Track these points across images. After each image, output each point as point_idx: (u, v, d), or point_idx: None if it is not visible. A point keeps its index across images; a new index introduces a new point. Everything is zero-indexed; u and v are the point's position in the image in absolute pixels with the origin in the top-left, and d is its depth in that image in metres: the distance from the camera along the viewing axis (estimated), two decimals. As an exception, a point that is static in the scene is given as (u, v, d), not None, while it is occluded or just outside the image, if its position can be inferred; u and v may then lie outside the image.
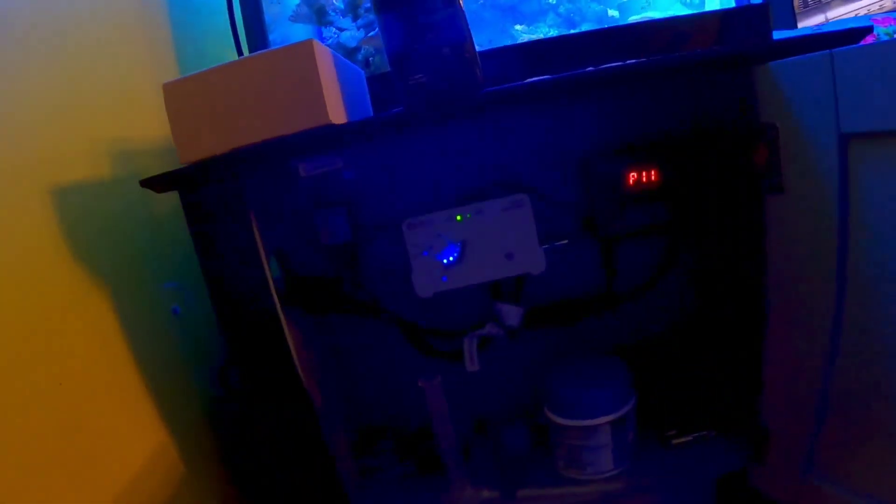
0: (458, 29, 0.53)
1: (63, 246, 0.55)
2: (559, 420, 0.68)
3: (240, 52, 0.78)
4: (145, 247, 0.69)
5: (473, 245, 0.69)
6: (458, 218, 0.69)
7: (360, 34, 0.79)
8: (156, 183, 0.55)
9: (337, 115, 0.53)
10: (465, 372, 0.73)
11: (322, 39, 0.87)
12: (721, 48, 0.59)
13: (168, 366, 0.67)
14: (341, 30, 0.80)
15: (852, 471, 0.58)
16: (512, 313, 0.71)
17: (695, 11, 0.81)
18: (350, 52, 0.81)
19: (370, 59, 0.79)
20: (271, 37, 0.81)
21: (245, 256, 0.57)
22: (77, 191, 0.59)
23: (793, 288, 0.58)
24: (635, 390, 0.70)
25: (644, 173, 0.69)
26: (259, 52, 0.52)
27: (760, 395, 0.65)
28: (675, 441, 0.72)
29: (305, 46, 0.51)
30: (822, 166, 0.51)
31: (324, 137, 0.53)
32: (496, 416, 0.79)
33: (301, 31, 0.87)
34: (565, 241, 0.71)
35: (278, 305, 0.61)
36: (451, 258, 0.69)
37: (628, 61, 0.60)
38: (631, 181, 0.69)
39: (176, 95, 0.52)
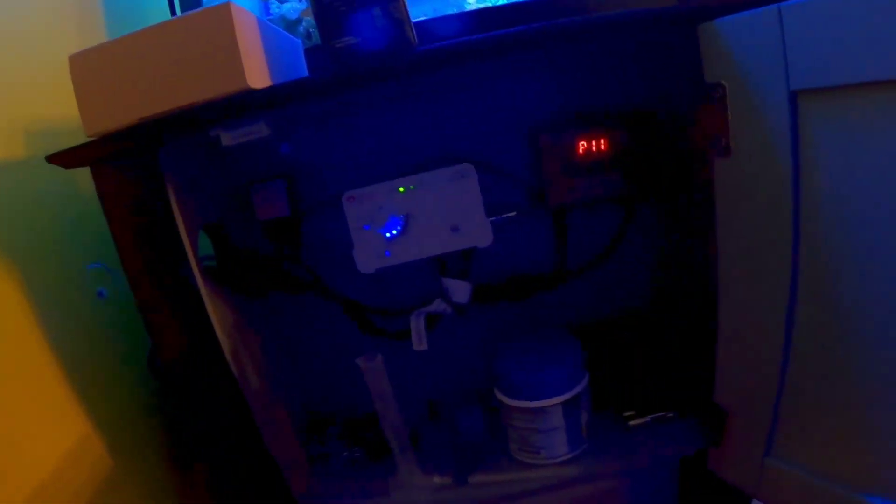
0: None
1: None
2: (508, 401, 0.64)
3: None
4: (69, 227, 0.64)
5: (417, 218, 0.66)
6: (401, 189, 0.66)
7: (303, 6, 0.76)
8: (63, 158, 0.51)
9: (258, 79, 0.50)
10: (416, 352, 0.70)
11: (267, 13, 0.84)
12: (660, 8, 0.57)
13: (93, 352, 0.63)
14: (283, 1, 0.77)
15: (812, 452, 0.55)
16: (460, 289, 0.68)
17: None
18: (292, 25, 0.78)
19: (311, 30, 0.76)
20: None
21: (162, 233, 0.54)
22: None
23: (746, 257, 0.55)
24: (588, 369, 0.67)
25: (594, 142, 0.66)
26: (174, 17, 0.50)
27: (714, 376, 0.62)
28: (632, 423, 0.69)
29: (223, 9, 0.47)
30: (773, 125, 0.48)
31: (243, 102, 0.50)
32: (450, 398, 0.76)
33: (246, 5, 0.84)
34: (513, 214, 0.68)
35: (201, 285, 0.58)
36: (394, 232, 0.66)
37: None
38: (581, 150, 0.66)
39: (83, 67, 0.48)
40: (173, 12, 0.76)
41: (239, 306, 0.66)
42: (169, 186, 0.55)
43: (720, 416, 0.62)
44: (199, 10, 0.48)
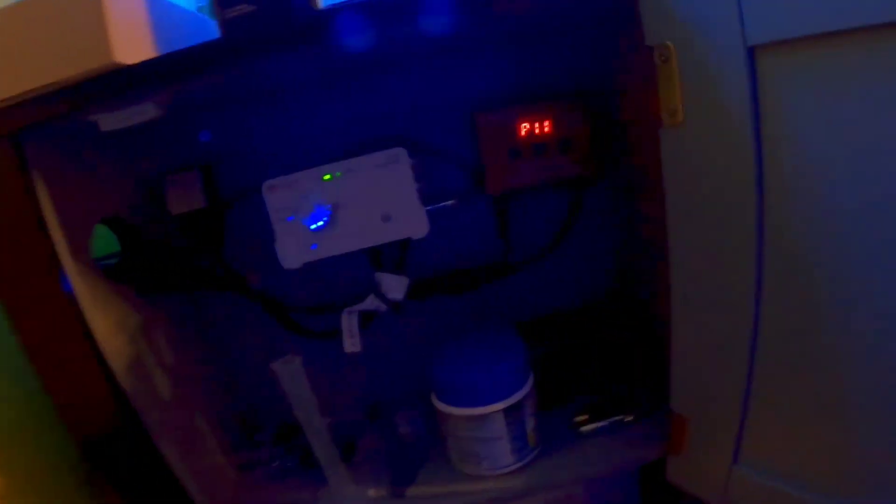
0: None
1: None
2: (444, 408, 0.58)
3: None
4: None
5: (346, 207, 0.60)
6: (327, 177, 0.60)
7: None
8: None
9: (131, 55, 0.44)
10: (355, 357, 0.65)
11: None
12: None
13: None
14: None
15: (783, 459, 0.50)
16: (395, 284, 0.62)
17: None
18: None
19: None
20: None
21: (27, 228, 0.48)
22: None
23: (702, 244, 0.49)
24: (536, 370, 0.61)
25: (537, 123, 0.61)
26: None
27: (668, 378, 0.57)
28: (584, 428, 0.64)
29: None
30: (729, 88, 0.42)
31: (115, 81, 0.44)
32: (390, 400, 0.71)
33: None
34: (453, 202, 0.63)
35: (79, 288, 0.51)
36: (320, 223, 0.60)
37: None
38: (523, 132, 0.61)
39: None
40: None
41: (146, 309, 0.61)
42: (37, 180, 0.48)
43: (679, 423, 0.57)
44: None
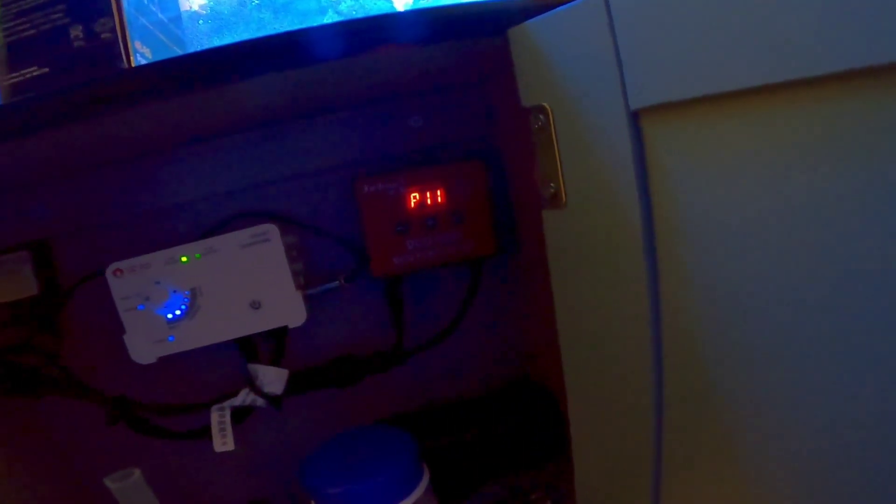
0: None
1: None
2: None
3: None
4: None
5: (207, 294, 0.53)
6: (184, 259, 0.53)
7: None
8: None
9: None
10: (225, 462, 0.58)
11: None
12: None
13: None
14: None
15: None
16: (272, 378, 0.56)
17: None
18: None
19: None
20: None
21: None
22: None
23: (593, 329, 0.46)
24: (432, 465, 0.55)
25: (429, 193, 0.58)
26: None
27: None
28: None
29: None
30: (611, 156, 0.38)
31: None
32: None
33: None
34: (336, 283, 0.57)
35: None
36: (177, 312, 0.54)
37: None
38: (412, 203, 0.58)
39: None
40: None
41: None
42: None
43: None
44: None
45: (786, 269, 0.33)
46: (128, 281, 0.52)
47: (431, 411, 0.61)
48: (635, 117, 0.36)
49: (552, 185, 0.42)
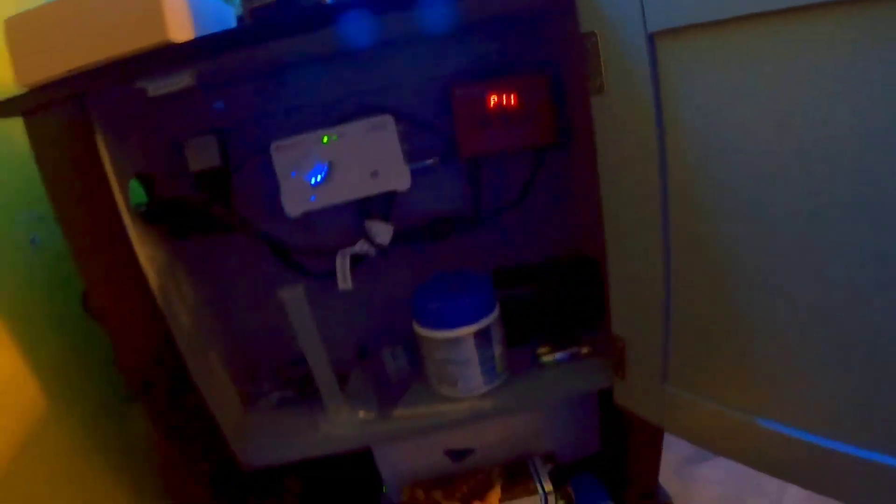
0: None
1: None
2: (424, 332, 0.73)
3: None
4: (4, 177, 0.72)
5: (340, 165, 0.75)
6: (325, 139, 0.74)
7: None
8: None
9: (177, 31, 0.58)
10: (344, 297, 0.79)
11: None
12: None
13: (26, 295, 0.70)
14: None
15: (704, 378, 0.63)
16: (382, 231, 0.77)
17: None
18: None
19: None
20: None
21: (92, 181, 0.61)
22: None
23: (622, 192, 0.63)
24: (504, 309, 0.75)
25: (504, 97, 0.77)
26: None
27: (607, 310, 0.70)
28: (545, 359, 0.79)
29: None
30: (636, 67, 0.56)
31: (164, 54, 0.58)
32: (377, 340, 0.85)
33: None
34: (432, 161, 0.78)
35: (131, 230, 0.65)
36: (318, 178, 0.75)
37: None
38: (492, 104, 0.77)
39: (17, 27, 0.56)
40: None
41: (171, 250, 0.75)
42: (98, 136, 0.62)
43: (619, 347, 0.71)
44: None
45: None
46: (285, 154, 0.74)
47: (499, 270, 0.81)
48: (651, 39, 0.55)
49: (598, 79, 0.60)
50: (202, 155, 0.76)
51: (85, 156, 0.63)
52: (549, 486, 0.87)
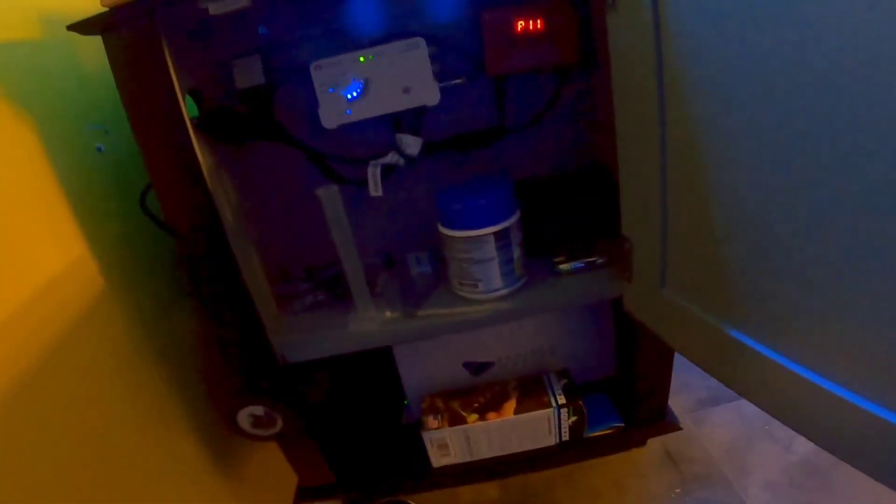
0: None
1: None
2: (447, 232, 0.80)
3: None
4: (72, 95, 0.81)
5: (375, 82, 0.82)
6: (361, 59, 0.82)
7: None
8: (80, 26, 0.67)
9: None
10: (373, 209, 0.86)
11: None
12: None
13: (91, 193, 0.79)
14: None
15: (689, 283, 0.68)
16: (412, 143, 0.85)
17: None
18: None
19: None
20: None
21: (162, 92, 0.70)
22: (11, 47, 0.72)
23: (629, 104, 0.69)
24: (524, 220, 0.82)
25: (531, 21, 0.84)
26: None
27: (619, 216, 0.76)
28: (562, 266, 0.85)
29: None
30: None
31: None
32: (403, 248, 0.93)
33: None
34: (460, 80, 0.84)
35: (192, 136, 0.73)
36: (354, 93, 0.82)
37: None
38: (519, 28, 0.84)
39: None
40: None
41: (217, 156, 0.82)
42: (167, 53, 0.70)
43: (627, 250, 0.77)
44: None
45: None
46: (324, 72, 0.81)
47: (520, 182, 0.87)
48: None
49: None
50: (247, 73, 0.84)
51: (154, 70, 0.70)
52: (562, 399, 0.93)
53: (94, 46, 0.73)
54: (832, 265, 0.48)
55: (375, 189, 0.84)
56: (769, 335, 0.58)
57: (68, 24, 0.71)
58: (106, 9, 0.65)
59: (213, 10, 0.70)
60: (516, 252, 0.81)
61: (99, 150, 0.83)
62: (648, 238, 0.73)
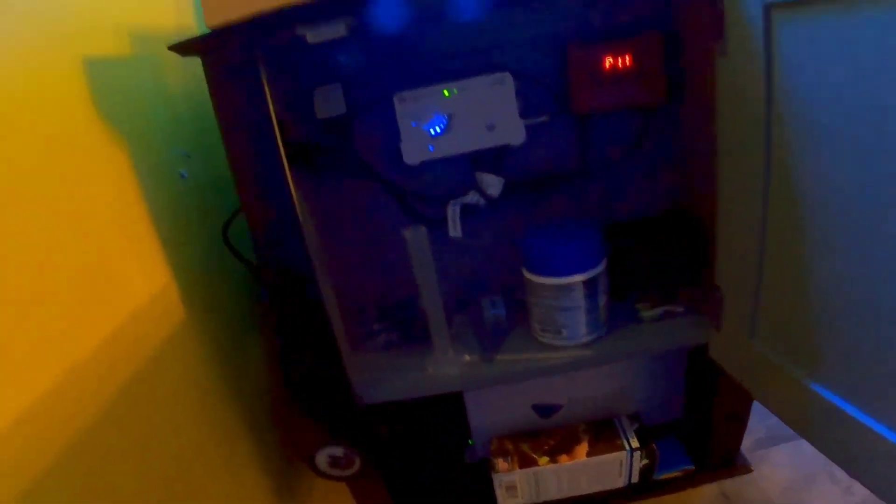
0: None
1: (91, 110, 0.67)
2: (535, 279, 0.79)
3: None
4: (159, 117, 0.82)
5: (459, 118, 0.81)
6: (446, 93, 0.81)
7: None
8: (181, 48, 0.67)
9: None
10: (449, 249, 0.86)
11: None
12: None
13: (174, 220, 0.79)
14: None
15: (780, 336, 0.68)
16: (493, 182, 0.84)
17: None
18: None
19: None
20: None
21: (259, 117, 0.70)
22: (104, 64, 0.71)
23: (734, 156, 0.69)
24: (607, 265, 0.82)
25: (619, 57, 0.82)
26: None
27: (712, 262, 0.76)
28: (645, 314, 0.85)
29: None
30: (753, 34, 0.61)
31: (333, 4, 0.65)
32: (478, 291, 0.92)
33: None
34: (545, 118, 0.84)
35: (286, 165, 0.73)
36: (437, 129, 0.82)
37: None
38: (607, 64, 0.83)
39: None
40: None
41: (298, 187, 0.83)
42: (264, 79, 0.70)
43: (717, 299, 0.76)
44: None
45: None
46: (408, 105, 0.81)
47: (606, 224, 0.86)
48: (767, 8, 0.59)
49: (722, 41, 0.66)
50: (329, 103, 0.83)
51: (252, 94, 0.71)
52: (635, 443, 0.93)
53: (179, 66, 0.73)
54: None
55: (455, 229, 0.83)
56: (858, 396, 0.58)
57: (154, 40, 0.72)
58: (209, 30, 0.65)
59: (311, 38, 0.70)
60: (602, 300, 0.81)
61: (182, 176, 0.84)
62: (742, 289, 0.73)
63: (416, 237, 0.76)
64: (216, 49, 0.68)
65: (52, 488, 0.51)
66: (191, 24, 0.95)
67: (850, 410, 0.58)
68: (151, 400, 0.69)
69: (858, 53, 0.50)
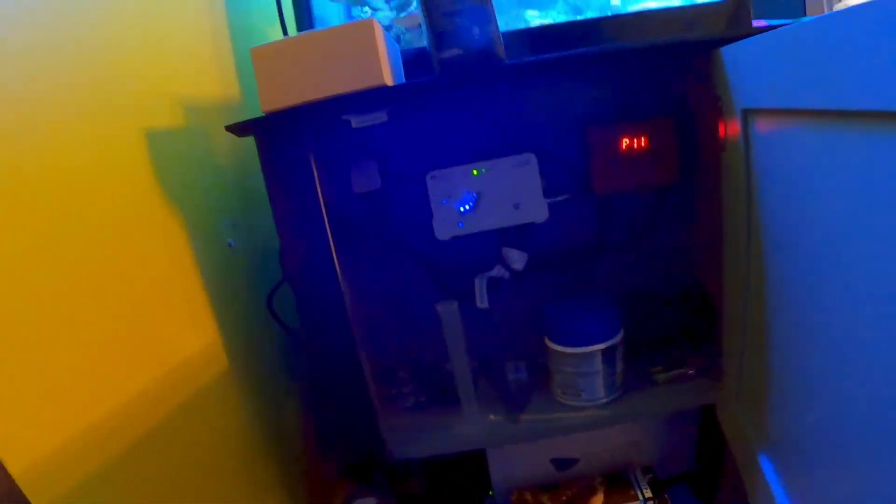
0: (485, 13, 0.76)
1: (153, 180, 0.76)
2: (557, 348, 0.88)
3: (283, 27, 1.01)
4: (208, 187, 0.90)
5: (486, 196, 0.90)
6: (475, 172, 0.90)
7: (393, 14, 1.02)
8: (238, 128, 0.76)
9: (388, 78, 0.75)
10: (474, 316, 0.95)
11: (349, 18, 1.11)
12: (654, 41, 0.84)
13: (224, 285, 0.88)
14: (375, 10, 1.03)
15: (752, 408, 0.78)
16: (517, 258, 0.92)
17: (687, 3, 1.05)
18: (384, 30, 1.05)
19: (401, 36, 1.02)
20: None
21: (306, 193, 0.79)
22: (163, 135, 0.80)
23: (731, 236, 0.78)
24: (624, 331, 0.91)
25: (636, 140, 0.91)
26: (329, 27, 0.73)
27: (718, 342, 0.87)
28: (658, 377, 0.93)
29: (368, 23, 0.72)
30: (738, 132, 0.70)
31: (379, 95, 0.73)
32: (501, 356, 1.01)
33: (335, 10, 1.11)
34: (566, 197, 0.92)
35: (331, 241, 0.82)
36: (467, 206, 0.90)
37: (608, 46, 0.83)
38: (624, 146, 0.92)
39: (262, 57, 0.72)
40: (280, 11, 1.02)
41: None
42: (311, 160, 0.80)
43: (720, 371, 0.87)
44: (350, 22, 0.73)
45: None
46: (439, 183, 0.89)
47: (623, 296, 0.95)
48: (745, 113, 0.69)
49: (724, 137, 0.75)
50: (365, 178, 0.92)
51: (301, 172, 0.80)
52: (648, 493, 1.01)
53: (227, 139, 0.82)
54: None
55: (482, 301, 0.92)
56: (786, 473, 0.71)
57: (204, 111, 0.80)
58: (263, 114, 0.74)
59: (356, 123, 0.79)
60: (619, 366, 0.89)
61: (230, 244, 0.92)
62: (733, 357, 0.83)
63: (448, 311, 0.85)
64: (269, 131, 0.77)
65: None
66: (234, 93, 1.04)
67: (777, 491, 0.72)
68: (191, 440, 0.77)
69: (808, 162, 0.57)
